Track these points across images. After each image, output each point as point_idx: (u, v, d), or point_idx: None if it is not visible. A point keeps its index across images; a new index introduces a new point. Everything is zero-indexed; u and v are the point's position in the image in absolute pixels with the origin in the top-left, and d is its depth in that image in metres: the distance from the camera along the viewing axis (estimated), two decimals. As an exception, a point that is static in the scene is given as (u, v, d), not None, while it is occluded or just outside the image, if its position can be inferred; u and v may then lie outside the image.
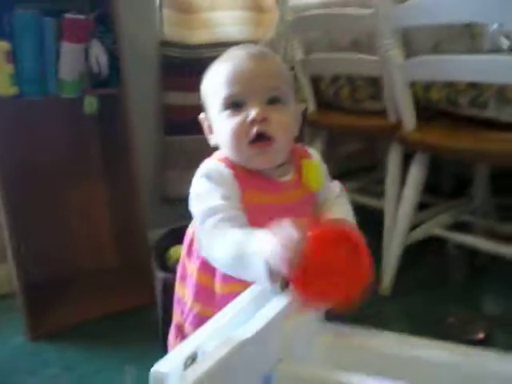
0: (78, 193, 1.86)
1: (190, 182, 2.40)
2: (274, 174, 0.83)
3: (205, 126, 0.89)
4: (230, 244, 0.71)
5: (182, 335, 0.89)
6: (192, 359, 0.62)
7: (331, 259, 0.68)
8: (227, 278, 0.79)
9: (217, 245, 0.73)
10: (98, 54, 1.43)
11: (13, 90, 1.40)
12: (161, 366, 0.61)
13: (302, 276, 0.66)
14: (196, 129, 2.16)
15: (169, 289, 1.27)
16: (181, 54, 1.94)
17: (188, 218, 2.03)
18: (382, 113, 1.68)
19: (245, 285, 0.72)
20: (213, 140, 0.87)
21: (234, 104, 0.79)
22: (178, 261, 1.50)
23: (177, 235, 1.55)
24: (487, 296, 1.65)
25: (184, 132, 1.97)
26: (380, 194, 1.79)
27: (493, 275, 1.75)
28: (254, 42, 2.01)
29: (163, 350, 1.32)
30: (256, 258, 0.68)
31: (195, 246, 0.85)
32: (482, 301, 1.63)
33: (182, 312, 0.88)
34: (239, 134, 0.78)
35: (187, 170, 1.99)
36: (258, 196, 0.80)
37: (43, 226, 1.79)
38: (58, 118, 1.74)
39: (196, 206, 0.79)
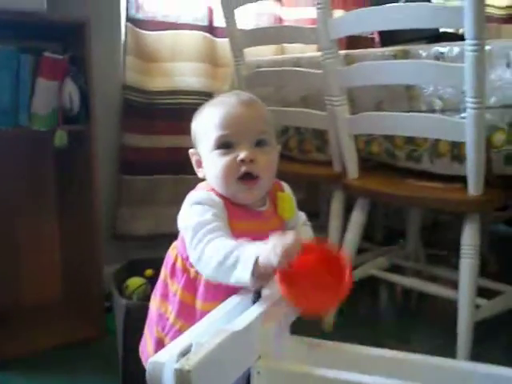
0: (30, 226, 1.87)
1: (140, 220, 2.45)
2: (254, 205, 0.91)
3: (193, 160, 0.96)
4: (222, 245, 0.79)
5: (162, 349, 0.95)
6: (187, 351, 0.70)
7: (317, 270, 0.78)
8: (208, 297, 0.87)
9: (208, 247, 0.80)
10: (71, 92, 1.51)
11: (-15, 120, 1.45)
12: (158, 357, 0.68)
13: (288, 275, 0.75)
14: (149, 170, 2.23)
15: (131, 315, 1.33)
16: (139, 98, 2.03)
17: (137, 254, 2.10)
18: (327, 163, 1.84)
19: None
20: (201, 174, 0.95)
21: (224, 144, 0.88)
22: (134, 291, 1.57)
23: (133, 268, 1.62)
24: (417, 333, 1.81)
25: (138, 172, 2.05)
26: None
27: (422, 316, 1.94)
28: (210, 93, 2.14)
29: (122, 372, 1.37)
30: (248, 252, 0.76)
31: (178, 266, 0.91)
32: (412, 337, 1.78)
33: (164, 327, 0.92)
34: (229, 171, 0.87)
35: (139, 208, 2.07)
36: (243, 224, 0.87)
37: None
38: (21, 150, 1.78)
39: (187, 224, 0.85)
